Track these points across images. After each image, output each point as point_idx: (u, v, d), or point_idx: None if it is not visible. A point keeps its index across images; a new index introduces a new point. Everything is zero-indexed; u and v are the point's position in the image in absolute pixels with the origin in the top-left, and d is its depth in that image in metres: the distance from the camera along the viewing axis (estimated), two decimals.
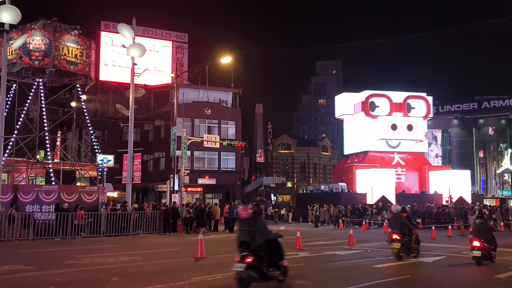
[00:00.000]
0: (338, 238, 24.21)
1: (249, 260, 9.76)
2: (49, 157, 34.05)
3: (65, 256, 16.05)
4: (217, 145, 38.04)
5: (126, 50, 31.04)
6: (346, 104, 48.54)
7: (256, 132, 66.58)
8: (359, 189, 42.62)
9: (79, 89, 36.92)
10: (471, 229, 15.35)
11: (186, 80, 51.11)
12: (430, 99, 47.98)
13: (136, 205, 30.79)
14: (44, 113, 34.60)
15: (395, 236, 15.31)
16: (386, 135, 45.86)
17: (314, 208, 37.12)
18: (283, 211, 44.47)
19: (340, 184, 43.32)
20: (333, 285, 11.38)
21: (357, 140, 47.73)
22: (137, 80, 33.63)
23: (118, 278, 11.73)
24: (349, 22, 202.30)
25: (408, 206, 36.64)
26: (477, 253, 14.38)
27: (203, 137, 38.88)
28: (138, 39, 39.21)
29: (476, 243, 14.43)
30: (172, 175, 36.55)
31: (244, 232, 10.22)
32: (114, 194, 44.11)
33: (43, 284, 10.98)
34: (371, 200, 40.24)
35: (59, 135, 45.87)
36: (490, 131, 65.91)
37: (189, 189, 45.51)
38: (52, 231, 22.57)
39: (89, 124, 38.42)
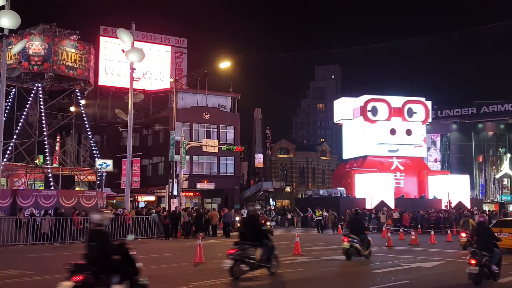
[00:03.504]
0: (337, 243, 24.09)
1: None
2: (48, 162, 33.95)
3: (63, 261, 15.98)
4: (216, 150, 38.02)
5: (125, 55, 31.07)
6: (344, 108, 48.54)
7: (255, 137, 66.61)
8: (358, 193, 42.56)
9: (78, 94, 36.87)
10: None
11: (185, 85, 51.16)
12: (429, 103, 47.96)
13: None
14: (43, 118, 34.49)
15: None
16: (385, 139, 45.84)
17: (317, 213, 36.58)
18: (289, 216, 44.11)
19: (339, 188, 43.24)
20: None
21: (356, 144, 47.70)
22: (136, 85, 33.64)
23: None
24: (348, 27, 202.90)
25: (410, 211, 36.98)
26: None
27: (202, 142, 38.86)
28: (137, 44, 39.32)
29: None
30: (171, 180, 36.51)
31: None
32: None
33: None
34: (370, 205, 40.20)
35: (58, 139, 45.74)
36: (489, 136, 66.05)
37: (188, 193, 45.57)
38: (51, 236, 22.52)
39: (88, 129, 38.36)
